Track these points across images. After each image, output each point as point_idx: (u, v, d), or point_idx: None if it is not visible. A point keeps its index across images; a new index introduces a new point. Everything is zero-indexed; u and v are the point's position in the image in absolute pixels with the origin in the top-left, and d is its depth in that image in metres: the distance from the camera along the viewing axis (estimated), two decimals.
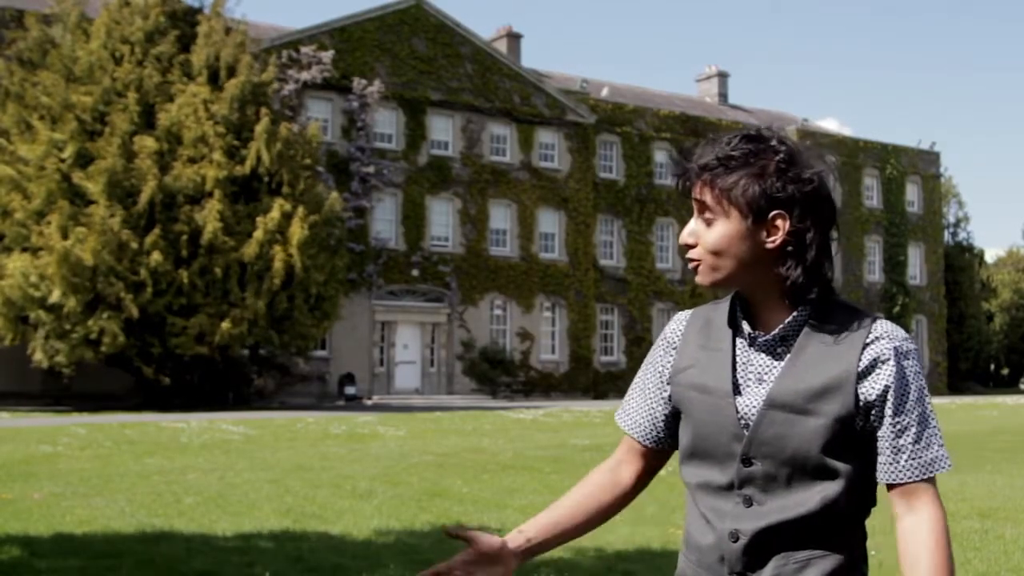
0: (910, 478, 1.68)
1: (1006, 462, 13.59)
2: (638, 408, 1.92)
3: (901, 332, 1.73)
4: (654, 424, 1.89)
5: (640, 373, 1.95)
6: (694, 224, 1.76)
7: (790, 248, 1.72)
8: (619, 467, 1.92)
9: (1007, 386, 56.61)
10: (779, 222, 1.72)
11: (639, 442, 1.91)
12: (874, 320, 1.73)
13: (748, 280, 1.75)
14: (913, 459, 1.68)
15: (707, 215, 1.73)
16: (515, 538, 1.81)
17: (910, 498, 1.69)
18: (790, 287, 1.74)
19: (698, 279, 1.77)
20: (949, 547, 1.66)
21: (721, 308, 1.85)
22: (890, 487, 1.71)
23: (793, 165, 1.72)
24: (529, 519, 1.86)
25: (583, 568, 6.40)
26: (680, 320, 1.92)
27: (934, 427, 1.71)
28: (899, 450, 1.68)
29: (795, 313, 1.74)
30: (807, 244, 1.72)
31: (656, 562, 6.52)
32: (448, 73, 36.49)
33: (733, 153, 1.71)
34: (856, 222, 47.01)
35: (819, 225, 1.73)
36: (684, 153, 1.79)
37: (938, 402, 35.26)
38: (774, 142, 1.73)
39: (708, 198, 1.72)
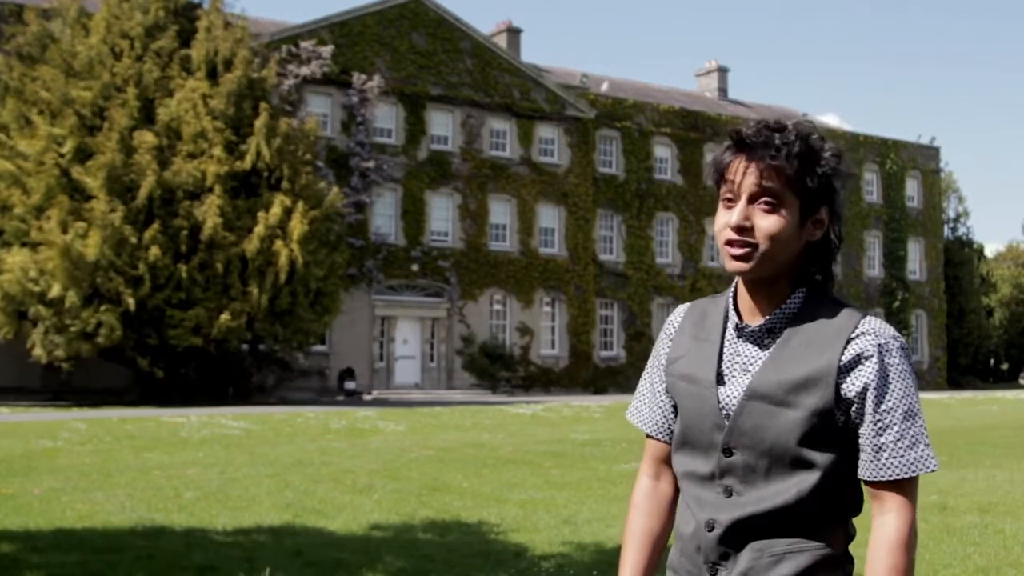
0: (890, 476, 1.66)
1: (1006, 457, 13.59)
2: (649, 404, 1.92)
3: (890, 330, 1.71)
4: (666, 417, 1.89)
5: (647, 367, 1.96)
6: (746, 208, 1.68)
7: (823, 243, 1.74)
8: (657, 485, 1.92)
9: (1007, 381, 56.64)
10: (823, 216, 1.72)
11: (659, 439, 1.90)
12: (863, 316, 1.71)
13: (781, 273, 1.72)
14: (894, 457, 1.66)
15: (768, 200, 1.67)
16: None
17: (883, 498, 1.68)
18: (809, 280, 1.75)
19: (743, 266, 1.69)
20: (909, 550, 1.63)
21: (718, 301, 1.85)
22: (868, 484, 1.70)
23: (839, 158, 1.71)
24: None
25: (583, 563, 6.40)
26: (679, 312, 1.92)
27: (920, 427, 1.68)
28: (880, 448, 1.66)
29: (783, 305, 1.73)
30: (839, 239, 1.73)
31: None
32: (448, 68, 36.45)
33: (797, 143, 1.67)
34: (856, 217, 47.00)
35: (839, 218, 1.75)
36: (737, 134, 1.70)
37: (937, 397, 35.25)
38: (815, 135, 1.71)
39: (775, 184, 1.67)
